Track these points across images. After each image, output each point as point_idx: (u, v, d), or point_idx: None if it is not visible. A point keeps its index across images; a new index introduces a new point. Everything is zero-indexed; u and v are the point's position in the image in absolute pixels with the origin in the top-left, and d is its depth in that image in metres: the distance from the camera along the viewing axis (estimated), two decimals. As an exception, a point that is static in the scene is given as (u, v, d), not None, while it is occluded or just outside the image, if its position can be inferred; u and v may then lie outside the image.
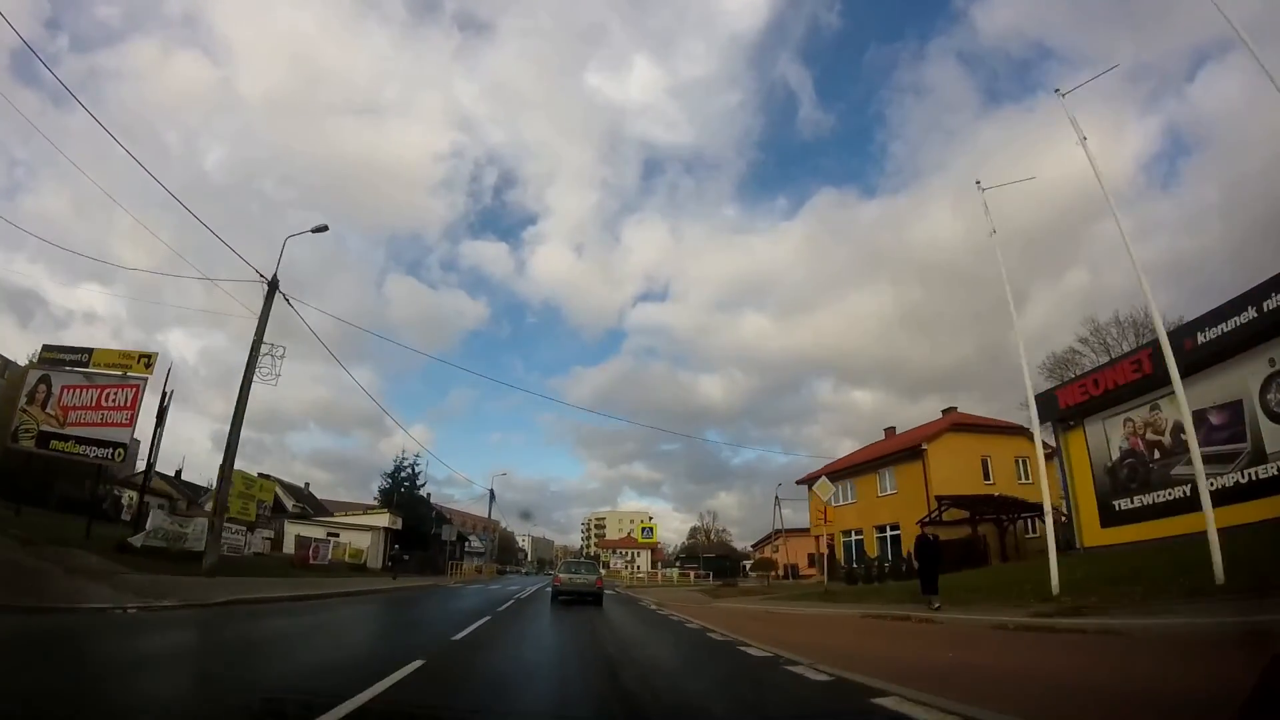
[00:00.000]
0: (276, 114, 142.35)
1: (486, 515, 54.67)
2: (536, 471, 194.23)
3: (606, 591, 20.39)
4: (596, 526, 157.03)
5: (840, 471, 37.45)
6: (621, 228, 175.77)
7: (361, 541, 36.72)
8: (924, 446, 31.37)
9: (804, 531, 63.37)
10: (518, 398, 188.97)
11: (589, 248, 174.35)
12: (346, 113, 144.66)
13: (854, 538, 35.52)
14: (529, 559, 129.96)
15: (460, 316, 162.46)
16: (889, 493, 33.23)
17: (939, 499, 30.01)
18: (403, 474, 46.46)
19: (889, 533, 32.85)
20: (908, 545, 28.67)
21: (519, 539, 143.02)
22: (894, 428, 41.35)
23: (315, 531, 35.53)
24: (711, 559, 75.88)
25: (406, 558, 41.42)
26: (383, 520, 39.37)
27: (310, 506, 46.46)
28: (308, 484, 55.27)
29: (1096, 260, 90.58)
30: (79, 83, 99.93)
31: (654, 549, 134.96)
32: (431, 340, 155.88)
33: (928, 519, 27.43)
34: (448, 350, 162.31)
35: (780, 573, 60.42)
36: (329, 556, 31.47)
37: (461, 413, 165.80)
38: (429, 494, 59.08)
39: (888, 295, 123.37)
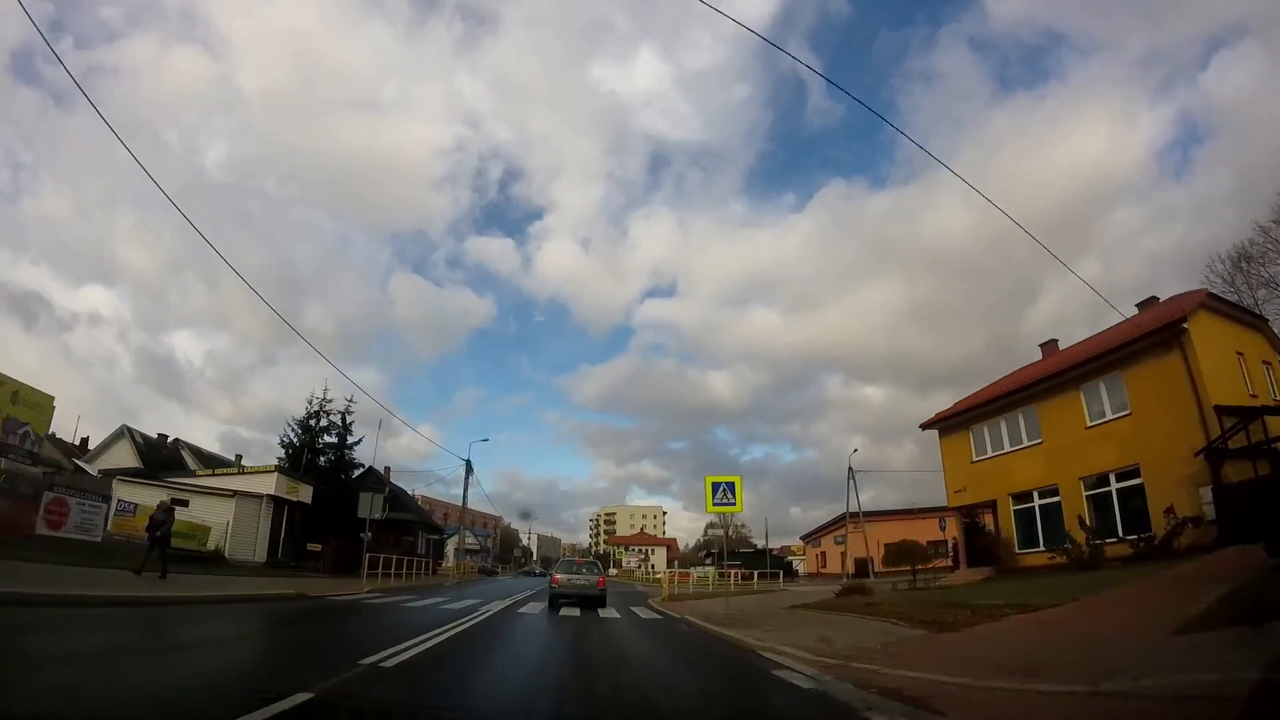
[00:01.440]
0: (277, 110, 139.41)
1: (462, 491, 40.62)
2: (544, 471, 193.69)
3: (634, 609, 14.73)
4: (606, 522, 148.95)
5: (998, 402, 23.13)
6: (628, 222, 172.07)
7: (217, 513, 22.80)
8: (1183, 325, 16.94)
9: (889, 515, 49.29)
10: (524, 397, 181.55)
11: (596, 242, 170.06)
12: (348, 107, 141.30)
13: (1040, 501, 21.07)
14: (534, 558, 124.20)
15: (466, 315, 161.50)
16: (1114, 415, 18.78)
17: (1223, 413, 15.87)
18: (322, 424, 32.36)
19: (1115, 484, 18.44)
20: (1166, 498, 16.08)
21: (524, 537, 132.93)
22: (1055, 341, 26.95)
23: (153, 498, 21.49)
24: (751, 555, 61.77)
25: (319, 547, 27.59)
26: (266, 485, 25.43)
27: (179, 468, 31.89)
28: (172, 437, 40.45)
29: (1108, 250, 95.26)
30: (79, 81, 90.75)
31: (670, 545, 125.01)
32: (438, 339, 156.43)
33: (1220, 441, 13.61)
34: (454, 349, 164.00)
35: (847, 569, 46.01)
36: (105, 527, 17.68)
37: (468, 413, 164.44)
38: (387, 468, 45.29)
39: (897, 288, 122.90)
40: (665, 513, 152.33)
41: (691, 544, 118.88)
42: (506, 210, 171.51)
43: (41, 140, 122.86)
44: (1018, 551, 21.41)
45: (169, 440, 40.46)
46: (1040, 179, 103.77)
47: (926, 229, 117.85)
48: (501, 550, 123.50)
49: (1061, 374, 20.62)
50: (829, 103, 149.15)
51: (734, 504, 15.19)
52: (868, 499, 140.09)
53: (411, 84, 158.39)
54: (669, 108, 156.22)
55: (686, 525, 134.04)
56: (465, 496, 40.44)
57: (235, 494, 23.83)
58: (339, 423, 33.13)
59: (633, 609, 16.61)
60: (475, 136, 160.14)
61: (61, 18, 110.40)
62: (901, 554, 22.08)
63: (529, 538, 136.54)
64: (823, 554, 55.93)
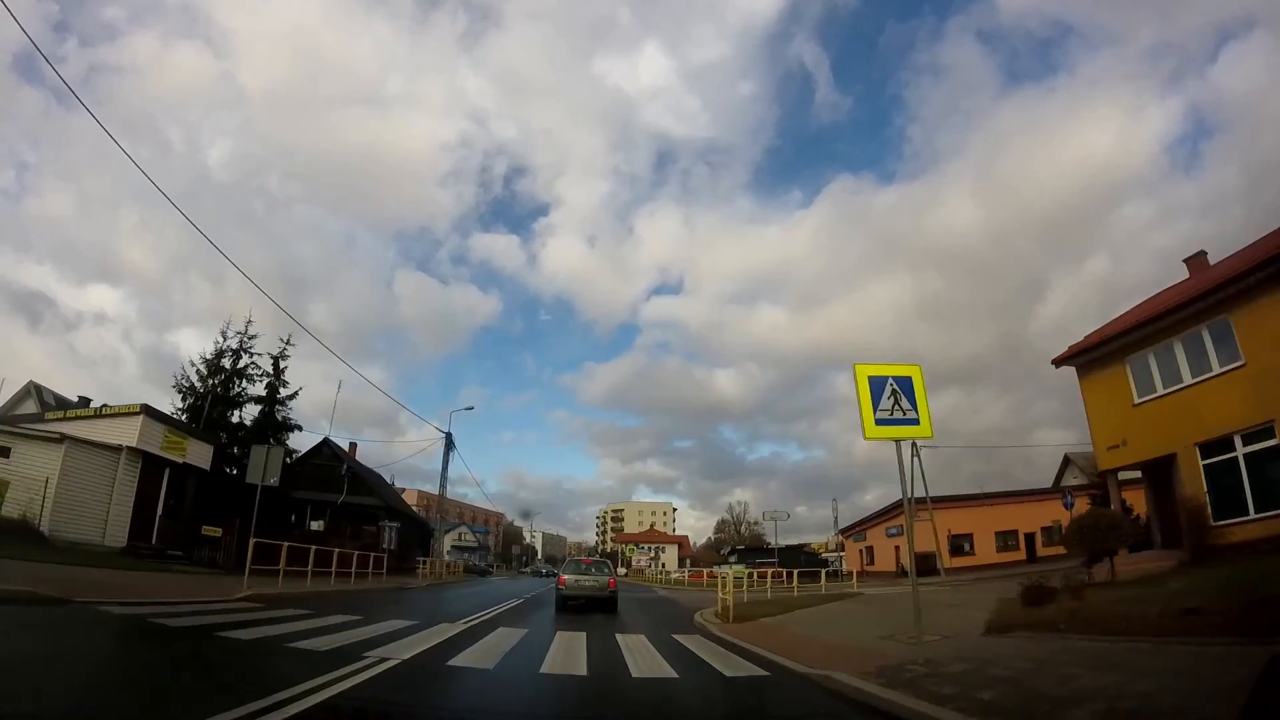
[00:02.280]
0: (280, 106, 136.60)
1: (441, 468, 32.56)
2: (549, 470, 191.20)
3: (686, 645, 8.90)
4: (613, 519, 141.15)
5: (1168, 319, 14.97)
6: (634, 218, 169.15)
7: (39, 467, 14.78)
8: None
9: (959, 502, 40.92)
10: (529, 395, 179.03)
11: (601, 239, 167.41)
12: (351, 103, 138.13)
13: (1244, 449, 12.87)
14: (539, 557, 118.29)
15: (471, 313, 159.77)
16: None
17: None
18: (240, 366, 24.24)
19: None
20: None
21: (527, 535, 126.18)
22: (1204, 253, 18.85)
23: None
24: (785, 551, 53.56)
25: (219, 532, 19.47)
26: (126, 433, 17.24)
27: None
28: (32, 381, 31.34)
29: (1117, 246, 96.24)
30: (79, 80, 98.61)
31: (682, 543, 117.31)
32: (444, 337, 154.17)
33: None
34: (460, 347, 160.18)
35: (903, 564, 37.70)
36: None
37: (474, 411, 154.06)
38: (353, 444, 37.25)
39: (905, 285, 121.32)
40: (675, 509, 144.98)
41: (701, 543, 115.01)
42: (511, 206, 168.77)
43: (44, 139, 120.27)
44: (1214, 524, 13.46)
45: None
46: (1048, 173, 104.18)
47: (934, 225, 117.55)
48: (504, 549, 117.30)
49: (1268, 265, 12.37)
50: (836, 96, 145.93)
51: (915, 418, 7.20)
52: (874, 498, 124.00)
53: (415, 79, 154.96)
54: (675, 102, 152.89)
55: (693, 525, 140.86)
56: (444, 476, 32.35)
57: (65, 439, 15.68)
58: (269, 370, 25.07)
59: (684, 644, 8.62)
60: (479, 132, 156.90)
61: (66, 18, 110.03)
62: (1086, 534, 13.89)
63: (531, 535, 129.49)
64: (868, 549, 47.55)
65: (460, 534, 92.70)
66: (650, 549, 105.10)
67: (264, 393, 24.62)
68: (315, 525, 30.75)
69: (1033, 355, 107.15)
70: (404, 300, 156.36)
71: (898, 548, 43.46)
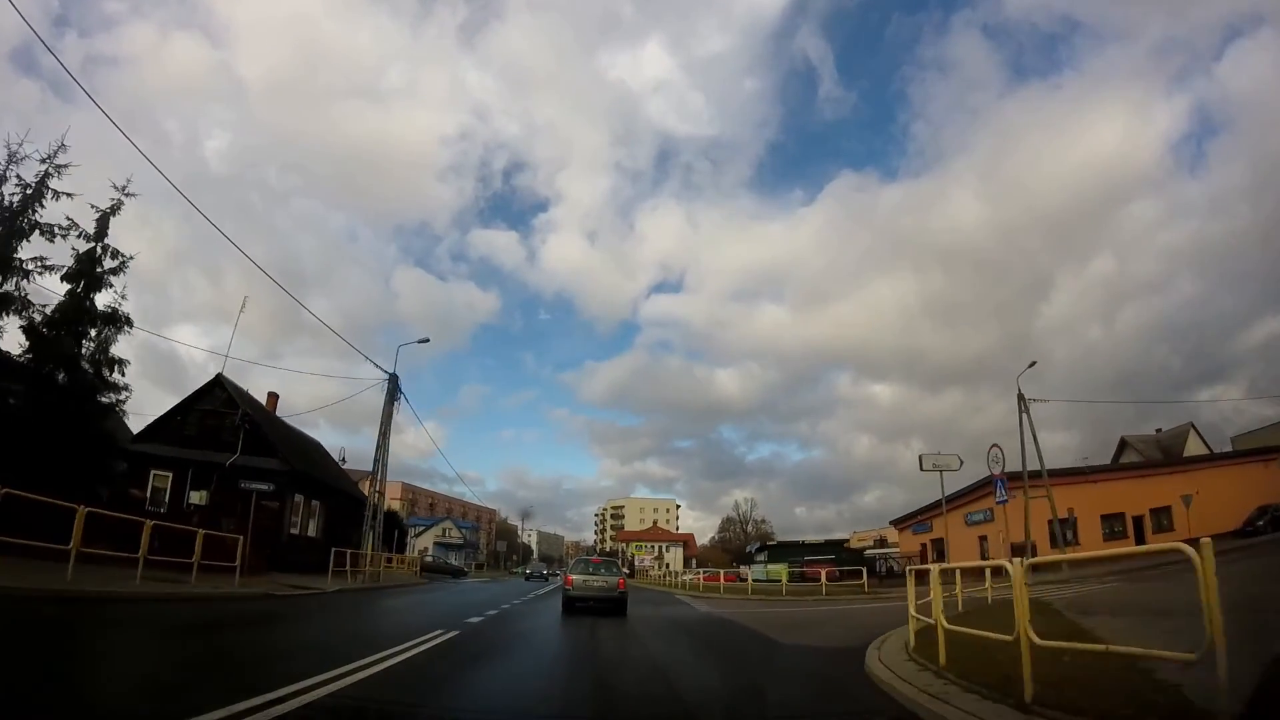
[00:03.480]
0: (278, 97, 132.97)
1: (381, 423, 22.81)
2: (549, 469, 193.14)
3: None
4: (613, 517, 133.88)
5: None
6: (636, 214, 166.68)
7: None
8: None
9: (1065, 477, 31.47)
10: (529, 394, 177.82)
11: (602, 235, 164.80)
12: (350, 95, 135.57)
13: None
14: (534, 556, 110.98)
15: (471, 310, 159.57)
16: None
17: None
18: (36, 217, 14.73)
19: None
20: None
21: (523, 534, 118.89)
22: None
23: None
24: (820, 548, 44.25)
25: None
26: None
27: None
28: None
29: (1123, 245, 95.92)
30: (76, 70, 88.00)
31: (688, 541, 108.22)
32: (443, 334, 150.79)
33: None
34: (458, 344, 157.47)
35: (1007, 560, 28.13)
36: None
37: (473, 410, 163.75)
38: (274, 396, 27.77)
39: (908, 284, 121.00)
40: (679, 506, 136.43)
41: (703, 543, 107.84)
42: (511, 202, 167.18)
43: (39, 131, 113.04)
44: None
45: None
46: (1054, 171, 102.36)
47: (939, 222, 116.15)
48: (509, 550, 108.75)
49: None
50: (840, 91, 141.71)
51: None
52: (872, 499, 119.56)
53: (414, 71, 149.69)
54: (678, 96, 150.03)
55: (692, 525, 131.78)
56: (386, 428, 22.99)
57: None
58: (88, 235, 15.79)
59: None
60: (479, 125, 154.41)
61: (65, 11, 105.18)
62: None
63: (525, 533, 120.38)
64: (933, 542, 38.07)
65: (445, 529, 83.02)
66: (654, 547, 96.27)
67: (71, 265, 15.25)
68: (197, 497, 21.51)
69: (1036, 355, 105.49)
70: (403, 296, 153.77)
71: (983, 538, 33.96)
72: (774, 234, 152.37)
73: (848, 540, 54.56)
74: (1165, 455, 42.54)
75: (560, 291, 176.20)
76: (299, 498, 21.98)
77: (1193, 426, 45.54)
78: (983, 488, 34.60)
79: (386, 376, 22.88)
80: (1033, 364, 28.56)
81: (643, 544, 65.16)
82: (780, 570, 31.02)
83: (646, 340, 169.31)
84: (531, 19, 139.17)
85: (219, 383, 22.80)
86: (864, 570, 31.13)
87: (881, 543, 54.80)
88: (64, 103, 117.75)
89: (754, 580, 31.70)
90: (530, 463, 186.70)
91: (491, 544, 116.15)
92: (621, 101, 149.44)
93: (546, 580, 38.78)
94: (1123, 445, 52.73)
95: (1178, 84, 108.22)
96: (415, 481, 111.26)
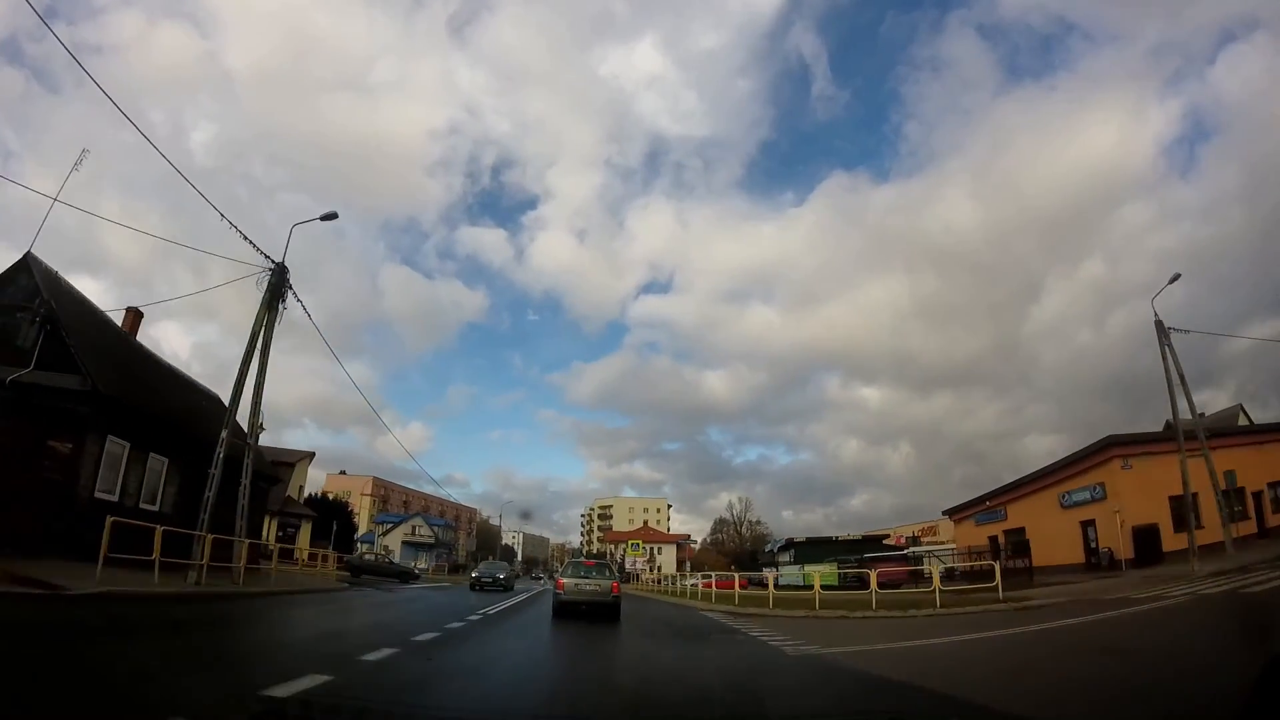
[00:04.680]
0: (265, 89, 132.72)
1: (259, 327, 14.96)
2: (536, 471, 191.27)
3: None
4: (601, 517, 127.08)
5: None
6: (626, 212, 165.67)
7: None
8: None
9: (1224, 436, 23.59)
10: (516, 394, 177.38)
11: (592, 233, 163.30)
12: (338, 87, 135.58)
13: None
14: (518, 558, 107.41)
15: (458, 308, 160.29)
16: None
17: None
18: None
19: None
20: None
21: (508, 535, 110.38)
22: None
23: None
24: (859, 543, 37.01)
25: None
26: None
27: None
28: None
29: (1114, 248, 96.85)
30: (63, 60, 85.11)
31: (681, 544, 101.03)
32: (430, 333, 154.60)
33: None
34: (445, 343, 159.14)
35: (1085, 556, 21.23)
36: None
37: (460, 410, 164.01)
38: (135, 313, 19.97)
39: (899, 286, 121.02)
40: (670, 506, 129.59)
41: (696, 544, 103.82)
42: (500, 198, 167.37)
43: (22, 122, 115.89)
44: None
45: None
46: (1047, 172, 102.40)
47: (930, 224, 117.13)
48: (478, 550, 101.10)
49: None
50: (834, 90, 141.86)
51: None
52: (860, 503, 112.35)
53: (404, 64, 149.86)
54: (670, 92, 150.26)
55: (679, 528, 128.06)
56: (258, 338, 14.98)
57: None
58: None
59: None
60: (469, 119, 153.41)
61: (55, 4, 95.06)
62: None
63: (510, 535, 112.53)
64: (1009, 534, 30.82)
65: (414, 527, 74.70)
66: (647, 549, 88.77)
67: None
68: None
69: (1027, 358, 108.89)
70: (389, 294, 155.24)
71: (1088, 523, 26.71)
72: (765, 234, 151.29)
73: (886, 536, 47.08)
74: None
75: (549, 291, 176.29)
76: (117, 445, 14.01)
77: (1241, 408, 39.94)
78: (1084, 460, 27.35)
79: (270, 268, 15.01)
80: (1176, 277, 21.62)
81: (639, 544, 57.41)
82: (823, 573, 23.40)
83: (635, 341, 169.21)
84: (523, 12, 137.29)
85: (25, 266, 14.81)
86: (995, 570, 23.86)
87: (916, 540, 47.58)
88: (46, 91, 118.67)
89: (782, 585, 24.03)
90: (517, 464, 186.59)
91: (473, 543, 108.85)
92: (613, 97, 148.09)
93: (506, 590, 25.80)
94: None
95: (1172, 87, 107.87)
96: (403, 484, 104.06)
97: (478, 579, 27.36)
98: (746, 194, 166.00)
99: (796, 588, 28.52)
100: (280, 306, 15.43)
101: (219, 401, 19.64)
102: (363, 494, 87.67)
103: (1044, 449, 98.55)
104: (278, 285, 14.92)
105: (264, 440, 19.14)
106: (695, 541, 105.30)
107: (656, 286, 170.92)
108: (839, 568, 27.44)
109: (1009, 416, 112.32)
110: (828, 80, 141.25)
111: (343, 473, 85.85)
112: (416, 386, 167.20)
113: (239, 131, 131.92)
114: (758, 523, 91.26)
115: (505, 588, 26.60)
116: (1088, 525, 26.45)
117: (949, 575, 27.62)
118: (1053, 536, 27.53)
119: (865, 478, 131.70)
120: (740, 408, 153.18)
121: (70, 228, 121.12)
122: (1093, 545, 26.17)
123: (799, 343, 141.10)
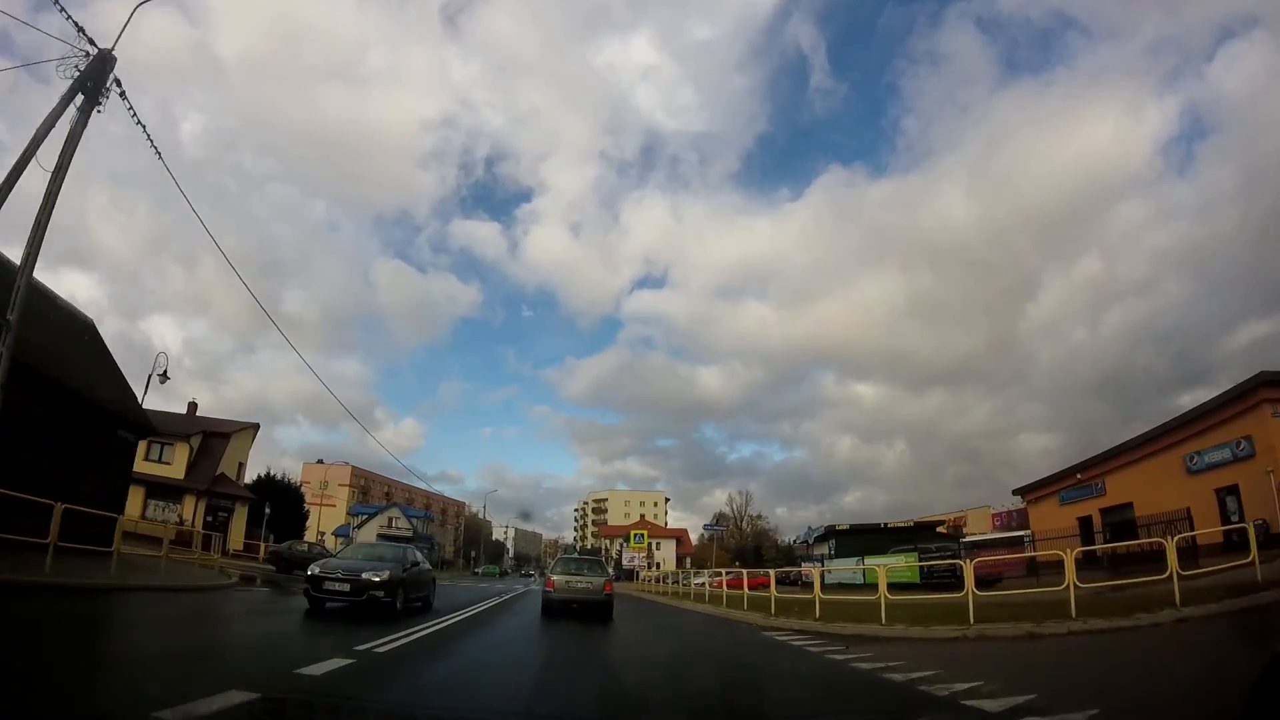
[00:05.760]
0: (255, 78, 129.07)
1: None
2: (529, 467, 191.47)
3: None
4: (595, 511, 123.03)
5: None
6: (620, 206, 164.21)
7: None
8: None
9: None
10: (509, 390, 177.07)
11: (586, 227, 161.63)
12: (329, 77, 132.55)
13: None
14: (509, 555, 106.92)
15: (451, 302, 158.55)
16: None
17: None
18: None
19: None
20: None
21: (498, 530, 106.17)
22: None
23: None
24: (912, 531, 31.28)
25: None
26: None
27: None
28: None
29: (1110, 246, 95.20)
30: (38, 40, 68.15)
31: (681, 537, 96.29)
32: (422, 328, 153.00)
33: None
34: (438, 337, 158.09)
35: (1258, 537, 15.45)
36: None
37: (453, 406, 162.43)
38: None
39: (895, 282, 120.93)
40: (668, 499, 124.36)
41: (693, 539, 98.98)
42: (493, 191, 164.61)
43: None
44: None
45: None
46: (1045, 169, 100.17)
47: (927, 219, 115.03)
48: (466, 545, 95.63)
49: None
50: (831, 83, 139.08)
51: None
52: (854, 500, 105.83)
53: (396, 53, 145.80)
54: (666, 87, 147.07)
55: (673, 524, 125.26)
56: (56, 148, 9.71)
57: None
58: None
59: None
60: (462, 110, 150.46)
61: None
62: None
63: (501, 529, 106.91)
64: (1105, 512, 25.05)
65: (391, 519, 68.45)
66: (647, 541, 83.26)
67: None
68: None
69: (1021, 356, 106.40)
70: (381, 288, 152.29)
71: (1225, 491, 20.99)
72: (760, 229, 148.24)
73: (941, 523, 41.05)
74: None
75: (542, 285, 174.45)
76: None
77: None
78: (1223, 409, 21.59)
79: (87, 54, 8.95)
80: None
81: (643, 535, 51.23)
82: (892, 568, 17.23)
83: (629, 337, 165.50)
84: (518, 2, 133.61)
85: None
86: (1168, 550, 17.81)
87: (959, 527, 41.90)
88: (37, 82, 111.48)
89: (828, 584, 18.13)
90: (510, 461, 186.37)
91: (459, 537, 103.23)
92: (609, 90, 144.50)
93: (388, 615, 10.26)
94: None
95: (1169, 84, 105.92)
96: (390, 475, 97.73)
97: (319, 581, 10.42)
98: (742, 189, 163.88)
99: (854, 587, 22.82)
100: (96, 111, 9.46)
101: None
102: (340, 484, 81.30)
103: (1037, 447, 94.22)
104: (97, 78, 8.90)
105: (202, 404, 13.22)
106: (696, 537, 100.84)
107: (651, 281, 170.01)
108: (921, 559, 21.52)
109: (1003, 414, 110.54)
110: (825, 74, 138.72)
111: (320, 461, 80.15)
112: (409, 382, 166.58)
113: (228, 121, 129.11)
114: (759, 517, 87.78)
115: (384, 608, 10.44)
116: (1223, 494, 20.76)
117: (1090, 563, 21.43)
118: (1174, 512, 21.71)
119: (859, 475, 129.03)
120: (734, 404, 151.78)
121: None
122: (1233, 519, 20.36)
123: (794, 339, 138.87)
